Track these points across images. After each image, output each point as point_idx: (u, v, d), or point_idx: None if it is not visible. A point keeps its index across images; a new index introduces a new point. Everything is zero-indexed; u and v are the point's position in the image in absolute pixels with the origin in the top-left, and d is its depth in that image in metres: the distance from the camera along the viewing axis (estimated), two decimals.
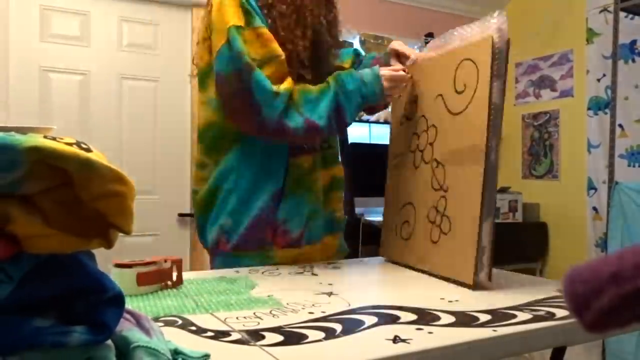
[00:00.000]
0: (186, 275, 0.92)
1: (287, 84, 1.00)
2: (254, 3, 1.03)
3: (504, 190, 3.36)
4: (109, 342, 0.45)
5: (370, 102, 1.07)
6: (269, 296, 0.76)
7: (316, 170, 1.13)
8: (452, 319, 0.64)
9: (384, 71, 1.06)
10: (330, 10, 1.15)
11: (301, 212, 1.10)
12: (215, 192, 1.08)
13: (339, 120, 1.04)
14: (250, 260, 1.07)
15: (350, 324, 0.61)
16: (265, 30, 1.00)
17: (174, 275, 0.83)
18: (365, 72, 1.06)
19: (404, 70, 1.10)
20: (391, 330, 0.59)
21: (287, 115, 0.99)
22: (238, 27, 0.99)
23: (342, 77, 1.05)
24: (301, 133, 1.01)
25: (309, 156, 1.11)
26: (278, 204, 1.08)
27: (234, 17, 0.99)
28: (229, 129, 1.07)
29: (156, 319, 0.61)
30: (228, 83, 1.00)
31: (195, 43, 1.11)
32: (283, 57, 1.01)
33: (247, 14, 1.00)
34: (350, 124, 1.08)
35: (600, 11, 3.04)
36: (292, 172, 1.09)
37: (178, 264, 0.84)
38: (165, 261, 0.82)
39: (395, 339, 0.56)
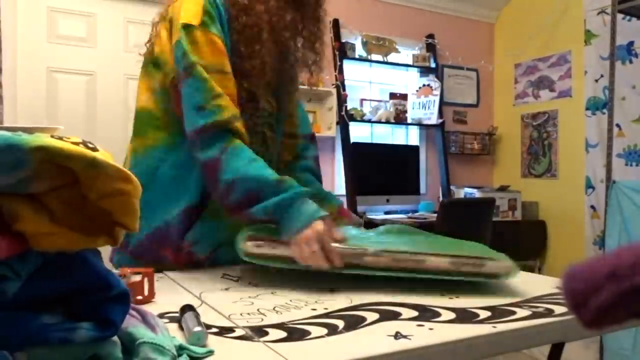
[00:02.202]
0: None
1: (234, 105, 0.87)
2: (222, 11, 0.92)
3: (503, 188, 3.37)
4: (115, 338, 0.45)
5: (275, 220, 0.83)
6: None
7: None
8: (452, 315, 0.65)
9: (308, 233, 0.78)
10: (311, 25, 1.01)
11: (214, 237, 0.96)
12: None
13: (232, 198, 0.83)
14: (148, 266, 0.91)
15: (352, 321, 0.62)
16: (220, 41, 0.89)
17: (145, 289, 0.71)
18: (309, 211, 0.81)
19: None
20: (392, 326, 0.60)
21: (214, 137, 0.83)
22: (189, 26, 0.88)
23: (293, 188, 0.83)
24: (203, 165, 0.85)
25: None
26: (191, 224, 0.93)
27: (190, 15, 0.89)
28: (161, 119, 0.95)
29: (161, 316, 0.62)
30: (178, 82, 0.90)
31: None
32: (232, 76, 0.89)
33: (207, 15, 0.89)
34: (234, 213, 0.86)
35: (598, 13, 3.06)
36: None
37: (149, 276, 0.72)
38: (135, 274, 0.71)
39: (397, 335, 0.56)
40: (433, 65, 3.50)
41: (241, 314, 0.65)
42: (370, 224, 2.87)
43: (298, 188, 0.83)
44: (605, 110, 2.86)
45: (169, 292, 0.79)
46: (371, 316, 0.64)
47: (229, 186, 0.83)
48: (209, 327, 0.58)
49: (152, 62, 1.00)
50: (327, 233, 0.79)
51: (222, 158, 0.84)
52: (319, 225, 0.79)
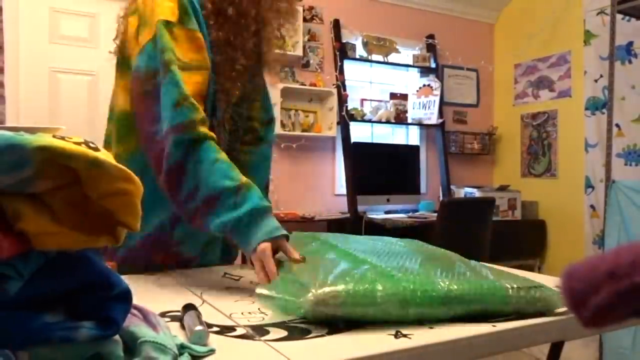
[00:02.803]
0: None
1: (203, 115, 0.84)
2: (197, 5, 0.90)
3: (503, 188, 3.37)
4: (117, 337, 0.45)
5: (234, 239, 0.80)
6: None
7: None
8: None
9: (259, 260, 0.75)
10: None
11: (200, 235, 0.95)
12: None
13: (191, 206, 0.80)
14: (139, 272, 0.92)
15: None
16: (200, 36, 0.87)
17: None
18: (266, 227, 0.77)
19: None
20: (393, 325, 0.60)
21: (184, 138, 0.80)
22: (168, 23, 0.85)
23: (248, 197, 0.78)
24: (167, 172, 0.81)
25: None
26: (175, 225, 0.93)
27: (167, 11, 0.85)
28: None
29: (163, 315, 0.62)
30: (140, 82, 0.87)
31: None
32: (209, 70, 0.88)
33: (183, 11, 0.86)
34: (193, 221, 0.82)
35: (598, 13, 3.06)
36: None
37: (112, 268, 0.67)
38: None
39: (397, 334, 0.56)
40: (433, 65, 3.51)
41: (242, 313, 0.66)
42: (371, 224, 2.88)
43: (256, 201, 0.78)
44: (604, 110, 2.86)
45: (171, 291, 0.79)
46: None
47: (189, 193, 0.80)
48: (210, 326, 0.59)
49: (123, 62, 0.98)
50: (286, 251, 0.75)
51: (187, 163, 0.80)
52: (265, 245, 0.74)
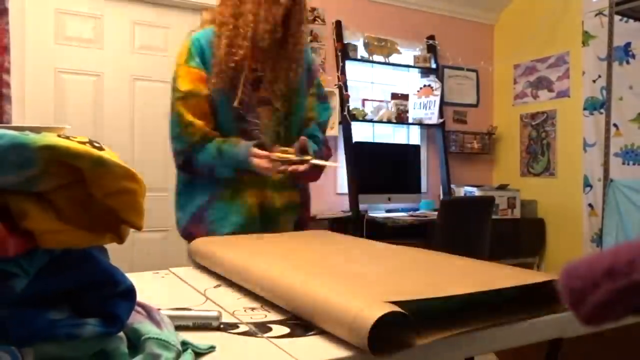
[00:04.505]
0: None
1: (202, 122, 1.15)
2: (204, 42, 1.17)
3: (503, 187, 3.38)
4: (121, 334, 0.46)
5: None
6: None
7: (245, 189, 1.20)
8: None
9: (254, 161, 1.12)
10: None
11: (231, 218, 1.19)
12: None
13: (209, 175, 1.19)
14: None
15: None
16: (196, 71, 1.16)
17: None
18: (241, 151, 1.13)
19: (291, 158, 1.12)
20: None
21: (197, 150, 1.16)
22: (178, 65, 1.17)
23: (224, 152, 1.15)
24: (205, 171, 1.18)
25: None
26: (208, 206, 1.20)
27: (180, 56, 1.18)
28: None
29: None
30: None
31: None
32: (206, 94, 1.15)
33: (188, 53, 1.17)
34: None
35: (596, 14, 3.07)
36: (225, 181, 1.19)
37: None
38: None
39: None
40: (434, 65, 3.51)
41: (245, 310, 0.66)
42: (372, 222, 2.89)
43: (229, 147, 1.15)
44: (602, 110, 2.87)
45: (174, 289, 0.80)
46: None
47: (202, 167, 1.18)
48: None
49: None
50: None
51: (193, 155, 1.17)
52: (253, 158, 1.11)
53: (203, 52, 1.16)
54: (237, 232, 1.17)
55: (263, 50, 1.16)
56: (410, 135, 3.66)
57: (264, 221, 1.22)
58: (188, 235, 1.22)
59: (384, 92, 3.53)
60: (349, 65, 3.19)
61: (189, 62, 1.16)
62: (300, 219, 1.31)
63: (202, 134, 1.16)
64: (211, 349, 0.51)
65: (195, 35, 1.19)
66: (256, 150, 1.12)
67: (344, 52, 3.15)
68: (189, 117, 1.15)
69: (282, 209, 1.25)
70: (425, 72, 3.52)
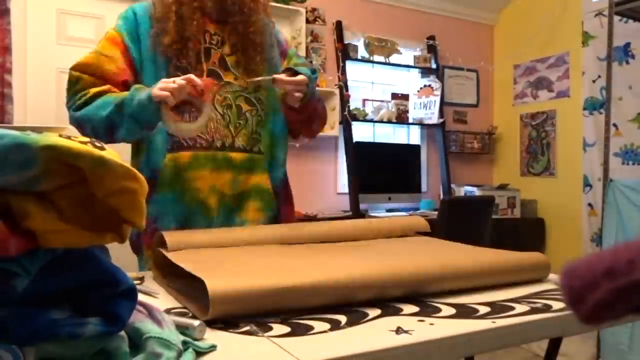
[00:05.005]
0: None
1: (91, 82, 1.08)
2: (139, 10, 1.13)
3: (503, 187, 3.38)
4: (122, 333, 0.46)
5: (147, 124, 1.00)
6: None
7: (199, 169, 1.02)
8: (452, 311, 0.65)
9: (154, 90, 0.94)
10: None
11: (174, 210, 1.02)
12: None
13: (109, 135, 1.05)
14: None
15: (354, 316, 0.63)
16: (116, 35, 1.12)
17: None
18: (142, 97, 0.96)
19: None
20: (394, 321, 0.60)
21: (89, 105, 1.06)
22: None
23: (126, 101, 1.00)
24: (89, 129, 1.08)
25: (188, 152, 1.03)
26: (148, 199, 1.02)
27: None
28: None
29: (167, 311, 0.63)
30: None
31: None
32: (112, 60, 1.08)
33: (121, 20, 1.15)
34: (122, 140, 1.07)
35: (596, 15, 3.07)
36: (167, 167, 1.02)
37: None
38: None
39: (398, 330, 0.57)
40: (434, 66, 3.51)
41: None
42: None
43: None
44: (602, 110, 2.87)
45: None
46: (373, 312, 0.64)
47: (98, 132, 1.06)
48: (214, 322, 0.59)
49: None
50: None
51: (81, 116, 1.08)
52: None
53: (132, 14, 1.13)
54: (185, 227, 1.00)
55: (213, 19, 1.08)
56: (410, 135, 3.67)
57: (224, 212, 1.04)
58: (135, 247, 1.07)
59: (384, 92, 3.53)
60: (350, 65, 3.19)
61: (118, 27, 1.13)
62: (280, 216, 1.12)
63: (93, 89, 1.06)
64: (212, 348, 0.51)
65: (133, 6, 1.14)
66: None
67: (345, 53, 3.16)
68: (76, 73, 1.08)
69: (246, 195, 1.06)
70: (426, 72, 3.52)
